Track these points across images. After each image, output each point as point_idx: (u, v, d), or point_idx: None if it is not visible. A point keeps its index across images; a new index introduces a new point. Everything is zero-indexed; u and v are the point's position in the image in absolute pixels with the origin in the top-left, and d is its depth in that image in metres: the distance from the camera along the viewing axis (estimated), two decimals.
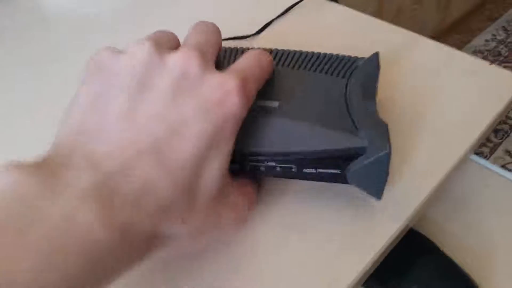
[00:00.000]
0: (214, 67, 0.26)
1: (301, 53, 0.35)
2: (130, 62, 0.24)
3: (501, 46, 1.89)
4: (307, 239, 0.31)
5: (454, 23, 1.92)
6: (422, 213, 0.37)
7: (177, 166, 0.22)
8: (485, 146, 1.51)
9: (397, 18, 1.53)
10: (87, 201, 0.19)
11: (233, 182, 0.27)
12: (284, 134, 0.28)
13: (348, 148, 0.28)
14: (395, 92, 0.44)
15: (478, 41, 1.91)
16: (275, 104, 0.30)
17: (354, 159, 0.28)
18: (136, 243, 0.21)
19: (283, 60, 0.34)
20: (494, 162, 1.46)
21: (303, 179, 0.30)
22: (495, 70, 0.45)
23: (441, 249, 0.45)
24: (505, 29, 1.98)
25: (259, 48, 0.30)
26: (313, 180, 0.30)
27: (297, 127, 0.28)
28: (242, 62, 0.27)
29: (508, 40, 1.92)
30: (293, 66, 0.34)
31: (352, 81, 0.32)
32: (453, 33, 1.91)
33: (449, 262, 0.44)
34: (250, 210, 0.30)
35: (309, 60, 0.34)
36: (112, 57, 0.25)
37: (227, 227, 0.27)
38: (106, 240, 0.19)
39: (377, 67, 0.35)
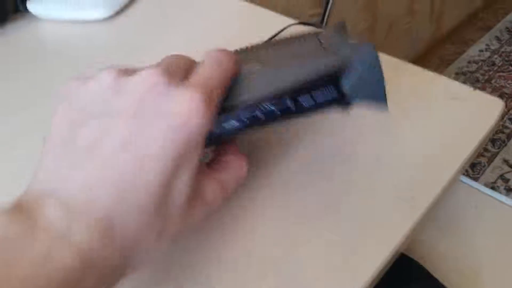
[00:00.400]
0: (177, 83, 0.25)
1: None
2: (93, 89, 0.25)
3: (495, 56, 1.90)
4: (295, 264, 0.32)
5: (447, 34, 1.94)
6: (411, 238, 0.37)
7: (146, 194, 0.22)
8: (483, 156, 1.52)
9: (390, 32, 1.54)
10: (60, 241, 0.21)
11: (205, 171, 0.27)
12: (271, 79, 0.28)
13: (332, 62, 0.29)
14: (377, 115, 0.45)
15: (472, 51, 1.93)
16: (258, 66, 0.30)
17: (343, 73, 0.29)
18: (109, 272, 0.22)
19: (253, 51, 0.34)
20: (493, 172, 1.47)
21: (305, 115, 0.30)
22: (479, 95, 0.46)
23: (430, 273, 0.46)
24: (498, 38, 2.00)
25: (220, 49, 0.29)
26: (316, 112, 0.30)
27: (280, 70, 0.29)
28: (203, 70, 0.26)
29: (502, 49, 1.93)
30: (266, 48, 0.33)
31: (323, 33, 0.32)
32: (447, 44, 1.92)
33: (439, 287, 0.44)
34: (242, 175, 0.30)
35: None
36: (77, 86, 0.25)
37: (212, 209, 0.28)
38: (77, 273, 0.20)
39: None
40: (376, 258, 0.34)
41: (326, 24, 1.10)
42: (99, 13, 0.56)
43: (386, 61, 0.50)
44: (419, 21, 1.68)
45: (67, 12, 0.56)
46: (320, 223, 0.36)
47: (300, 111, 0.29)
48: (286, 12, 1.08)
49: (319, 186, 0.39)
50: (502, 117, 0.46)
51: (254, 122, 0.29)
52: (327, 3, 1.22)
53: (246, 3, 0.60)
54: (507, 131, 1.60)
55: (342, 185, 0.39)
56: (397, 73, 0.50)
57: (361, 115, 0.44)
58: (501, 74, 1.80)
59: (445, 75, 0.49)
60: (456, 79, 1.85)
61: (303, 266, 0.32)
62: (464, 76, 1.79)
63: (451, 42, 1.94)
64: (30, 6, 0.58)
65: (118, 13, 0.58)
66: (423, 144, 0.43)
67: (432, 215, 0.40)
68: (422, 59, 1.80)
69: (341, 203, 0.38)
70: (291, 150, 0.39)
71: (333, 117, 0.43)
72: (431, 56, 1.85)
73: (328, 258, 0.33)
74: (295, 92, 0.28)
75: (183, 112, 0.23)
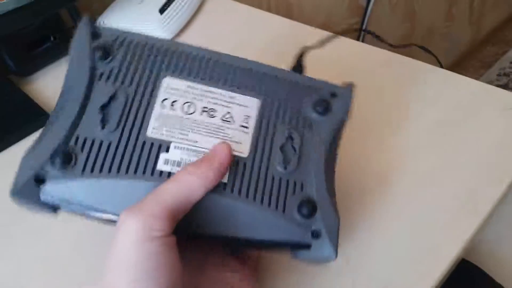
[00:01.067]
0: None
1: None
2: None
3: None
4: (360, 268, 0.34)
5: (487, 36, 1.91)
6: (473, 243, 0.38)
7: None
8: None
9: (429, 37, 1.53)
10: None
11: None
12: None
13: (296, 241, 0.31)
14: (433, 130, 0.46)
15: None
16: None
17: (301, 248, 0.31)
18: None
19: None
20: None
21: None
22: None
23: (492, 277, 0.46)
24: None
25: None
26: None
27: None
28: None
29: None
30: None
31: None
32: (487, 45, 1.89)
33: None
34: None
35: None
36: None
37: None
38: None
39: (346, 113, 0.35)
40: (439, 264, 0.36)
41: (364, 33, 1.11)
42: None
43: (436, 72, 0.52)
44: (458, 24, 1.66)
45: None
46: (388, 231, 0.38)
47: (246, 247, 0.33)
48: (326, 23, 1.10)
49: (382, 194, 0.40)
50: None
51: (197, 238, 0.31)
52: (365, 11, 1.23)
53: (291, 22, 0.62)
54: None
55: (405, 196, 0.41)
56: (448, 84, 0.51)
57: (415, 134, 0.46)
58: None
59: (487, 77, 0.50)
60: (498, 80, 1.82)
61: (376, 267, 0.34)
62: (507, 78, 1.75)
63: (491, 44, 1.90)
64: None
65: (176, 37, 0.62)
66: (480, 153, 0.44)
67: (492, 220, 0.41)
68: (462, 62, 1.77)
69: (406, 212, 0.40)
70: None
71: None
72: (472, 58, 1.83)
73: (396, 263, 0.35)
74: (248, 245, 0.32)
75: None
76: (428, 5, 1.45)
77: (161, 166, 0.30)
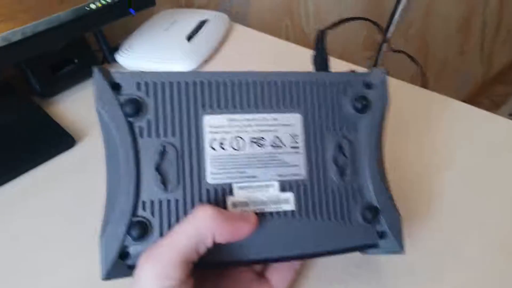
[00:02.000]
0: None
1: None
2: None
3: None
4: None
5: (498, 74, 1.92)
6: None
7: None
8: None
9: (441, 72, 1.54)
10: None
11: None
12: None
13: (364, 245, 0.32)
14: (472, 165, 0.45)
15: None
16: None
17: (370, 248, 0.33)
18: None
19: None
20: None
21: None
22: None
23: None
24: None
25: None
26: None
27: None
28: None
29: None
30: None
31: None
32: (497, 84, 1.90)
33: None
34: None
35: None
36: None
37: None
38: None
39: (385, 103, 0.34)
40: None
41: (376, 66, 1.12)
42: (185, 65, 0.59)
43: (460, 109, 0.52)
44: (470, 61, 1.67)
45: (152, 64, 0.59)
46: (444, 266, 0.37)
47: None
48: (342, 55, 1.10)
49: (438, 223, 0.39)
50: None
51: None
52: (381, 46, 1.24)
53: (310, 51, 0.62)
54: None
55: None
56: (471, 122, 0.51)
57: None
58: None
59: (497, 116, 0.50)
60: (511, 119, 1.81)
61: None
62: None
63: (501, 82, 1.91)
64: (118, 57, 0.61)
65: (202, 65, 0.61)
66: None
67: None
68: (473, 99, 1.78)
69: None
70: None
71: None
72: (482, 96, 1.83)
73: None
74: (318, 256, 0.32)
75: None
76: (441, 40, 1.46)
77: (231, 209, 0.30)
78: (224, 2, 0.84)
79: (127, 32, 0.65)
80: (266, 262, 0.32)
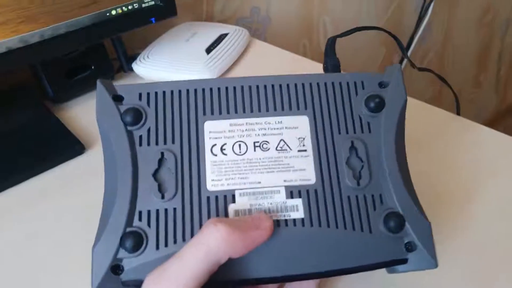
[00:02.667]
0: None
1: None
2: None
3: None
4: None
5: (510, 106, 1.90)
6: None
7: None
8: None
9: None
10: None
11: None
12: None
13: (390, 260, 0.28)
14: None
15: None
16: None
17: (397, 263, 0.29)
18: None
19: None
20: None
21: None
22: None
23: None
24: None
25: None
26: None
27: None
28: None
29: None
30: None
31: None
32: (508, 116, 1.88)
33: None
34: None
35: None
36: None
37: None
38: None
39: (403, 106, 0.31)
40: None
41: None
42: (203, 77, 0.57)
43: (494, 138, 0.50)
44: (485, 92, 1.66)
45: (169, 74, 0.58)
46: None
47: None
48: None
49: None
50: None
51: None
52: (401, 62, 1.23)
53: None
54: None
55: None
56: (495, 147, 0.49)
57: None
58: None
59: None
60: None
61: None
62: None
63: None
64: (135, 66, 0.60)
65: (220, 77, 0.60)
66: None
67: None
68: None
69: None
70: None
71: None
72: (496, 127, 1.81)
73: None
74: (341, 273, 0.29)
75: None
76: (458, 70, 1.45)
77: (233, 218, 0.28)
78: (245, 18, 0.83)
79: (146, 43, 0.64)
80: (276, 281, 0.29)
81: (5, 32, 0.46)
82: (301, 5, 0.91)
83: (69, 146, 0.49)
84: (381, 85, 0.31)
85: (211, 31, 0.65)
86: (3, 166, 0.47)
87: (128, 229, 0.27)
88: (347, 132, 0.30)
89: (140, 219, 0.27)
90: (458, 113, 0.56)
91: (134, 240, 0.27)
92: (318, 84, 0.31)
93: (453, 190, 0.45)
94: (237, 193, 0.28)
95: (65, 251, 0.39)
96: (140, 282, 0.26)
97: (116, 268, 0.27)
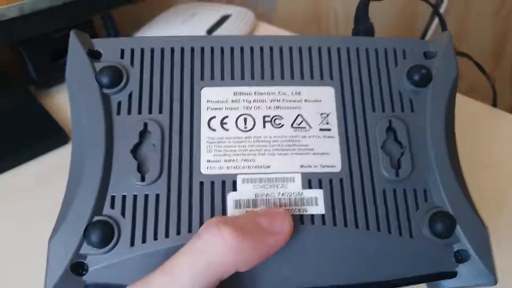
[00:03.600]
0: None
1: None
2: None
3: None
4: None
5: None
6: None
7: None
8: None
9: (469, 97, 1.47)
10: None
11: None
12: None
13: (436, 273, 0.22)
14: None
15: None
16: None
17: (443, 278, 0.23)
18: None
19: None
20: None
21: None
22: None
23: None
24: None
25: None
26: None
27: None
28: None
29: None
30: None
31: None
32: None
33: None
34: None
35: None
36: None
37: None
38: None
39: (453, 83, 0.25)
40: None
41: None
42: None
43: None
44: (500, 88, 1.61)
45: None
46: None
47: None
48: None
49: None
50: None
51: None
52: None
53: None
54: None
55: None
56: None
57: None
58: None
59: None
60: None
61: None
62: None
63: None
64: None
65: None
66: None
67: None
68: None
69: None
70: None
71: None
72: None
73: None
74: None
75: None
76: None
77: (232, 211, 0.22)
78: (250, 3, 0.78)
79: (140, 25, 0.59)
80: None
81: None
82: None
83: (51, 136, 0.44)
84: (427, 55, 0.26)
85: (213, 12, 0.59)
86: None
87: (96, 218, 0.22)
88: (383, 110, 0.24)
89: (112, 206, 0.22)
90: (494, 105, 0.50)
91: (103, 232, 0.21)
92: (348, 49, 0.25)
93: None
94: (239, 179, 0.23)
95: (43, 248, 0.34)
96: (108, 286, 0.21)
97: (78, 267, 0.21)
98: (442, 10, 1.02)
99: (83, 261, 0.21)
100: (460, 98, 0.49)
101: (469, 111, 0.49)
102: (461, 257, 0.23)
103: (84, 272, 0.21)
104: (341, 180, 0.23)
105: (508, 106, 1.78)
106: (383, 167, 0.23)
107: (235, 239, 0.19)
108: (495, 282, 0.22)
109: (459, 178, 0.24)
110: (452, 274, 0.23)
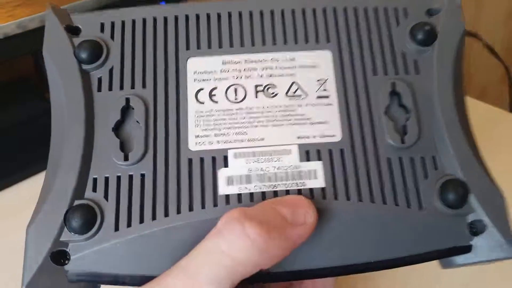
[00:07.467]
0: None
1: None
2: None
3: None
4: None
5: None
6: None
7: None
8: None
9: (481, 99, 1.46)
10: None
11: None
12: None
13: (449, 247, 0.21)
14: None
15: None
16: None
17: (457, 253, 0.21)
18: None
19: None
20: None
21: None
22: None
23: None
24: None
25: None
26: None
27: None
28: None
29: None
30: None
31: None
32: None
33: None
34: None
35: None
36: None
37: None
38: None
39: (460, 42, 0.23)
40: None
41: None
42: None
43: None
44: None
45: None
46: None
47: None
48: None
49: None
50: None
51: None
52: None
53: None
54: None
55: None
56: None
57: None
58: None
59: None
60: None
61: None
62: None
63: None
64: None
65: None
66: None
67: None
68: None
69: None
70: None
71: None
72: None
73: None
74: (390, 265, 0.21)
75: None
76: (484, 67, 1.39)
77: (224, 189, 0.21)
78: None
79: None
80: (284, 278, 0.21)
81: (1, 17, 0.42)
82: None
83: None
84: (430, 12, 0.24)
85: None
86: (0, 164, 0.43)
87: (77, 202, 0.20)
88: (385, 73, 0.23)
89: (94, 189, 0.20)
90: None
91: (84, 217, 0.20)
92: (345, 8, 0.24)
93: None
94: (230, 154, 0.21)
95: None
96: (93, 276, 0.20)
97: (59, 256, 0.20)
98: None
99: (64, 249, 0.20)
100: (471, 102, 0.49)
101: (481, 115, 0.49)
102: (476, 229, 0.21)
103: (66, 262, 0.20)
104: (341, 151, 0.21)
105: None
106: (388, 134, 0.21)
107: (262, 238, 0.18)
108: None
109: (471, 142, 0.22)
110: (467, 249, 0.21)
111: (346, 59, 0.23)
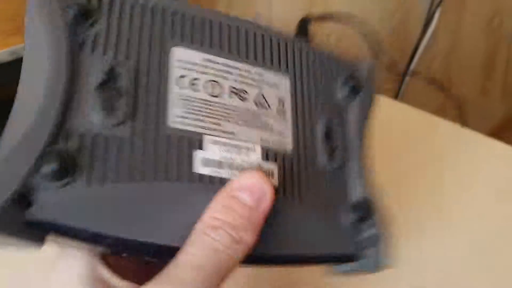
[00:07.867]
0: None
1: None
2: None
3: None
4: None
5: None
6: None
7: None
8: None
9: (461, 111, 1.50)
10: None
11: None
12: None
13: (338, 255, 0.26)
14: None
15: None
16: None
17: (344, 261, 0.26)
18: None
19: None
20: None
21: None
22: None
23: None
24: None
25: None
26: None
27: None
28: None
29: None
30: None
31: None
32: None
33: None
34: None
35: None
36: None
37: None
38: None
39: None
40: None
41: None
42: None
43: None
44: (492, 100, 1.63)
45: None
46: None
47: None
48: None
49: None
50: None
51: None
52: (402, 81, 1.21)
53: None
54: None
55: None
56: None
57: None
58: None
59: None
60: None
61: None
62: None
63: None
64: None
65: None
66: None
67: None
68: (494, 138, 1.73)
69: None
70: None
71: None
72: (505, 135, 1.79)
73: None
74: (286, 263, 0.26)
75: None
76: (465, 77, 1.43)
77: (199, 168, 0.22)
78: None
79: None
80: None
81: None
82: (305, 9, 0.89)
83: None
84: (354, 72, 0.30)
85: None
86: None
87: (50, 148, 0.19)
88: (323, 109, 0.28)
89: (69, 140, 0.20)
90: (463, 125, 0.54)
91: (58, 164, 0.19)
92: (302, 49, 0.28)
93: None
94: (206, 139, 0.23)
95: None
96: (53, 226, 0.19)
97: (24, 200, 0.18)
98: (434, 21, 1.05)
99: (32, 195, 0.19)
100: (429, 118, 0.52)
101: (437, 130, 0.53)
102: (366, 242, 0.26)
103: (31, 207, 0.19)
104: (291, 159, 0.25)
105: (500, 118, 1.81)
106: (321, 155, 0.27)
107: (241, 247, 0.21)
108: (390, 265, 0.26)
109: (370, 178, 0.28)
110: (351, 258, 0.26)
111: (299, 88, 0.27)
